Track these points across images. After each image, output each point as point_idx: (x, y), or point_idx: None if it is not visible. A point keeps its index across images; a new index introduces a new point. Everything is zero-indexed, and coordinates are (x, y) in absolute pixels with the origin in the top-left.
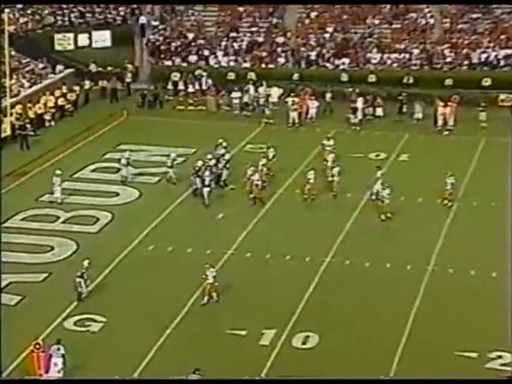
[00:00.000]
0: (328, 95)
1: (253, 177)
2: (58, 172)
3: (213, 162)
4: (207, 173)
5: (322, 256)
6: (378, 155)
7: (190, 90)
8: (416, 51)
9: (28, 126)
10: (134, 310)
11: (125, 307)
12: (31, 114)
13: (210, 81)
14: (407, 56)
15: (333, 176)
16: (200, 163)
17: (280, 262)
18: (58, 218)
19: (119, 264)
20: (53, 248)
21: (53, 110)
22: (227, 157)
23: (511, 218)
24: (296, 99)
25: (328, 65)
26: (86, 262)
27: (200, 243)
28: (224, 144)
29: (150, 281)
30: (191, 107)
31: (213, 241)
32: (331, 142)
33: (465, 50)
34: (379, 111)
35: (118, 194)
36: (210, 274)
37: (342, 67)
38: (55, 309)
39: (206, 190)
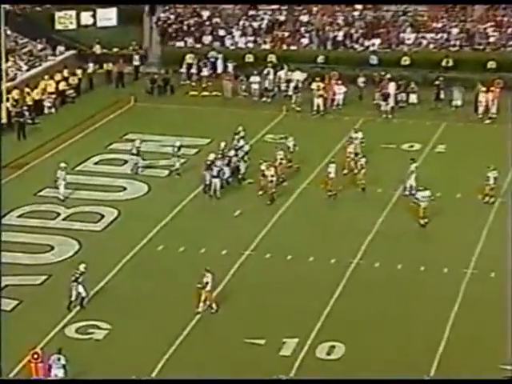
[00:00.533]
0: (360, 80)
1: (267, 172)
2: (63, 165)
3: (232, 152)
4: (219, 162)
5: (348, 257)
6: (411, 146)
7: (204, 73)
8: (455, 30)
9: (26, 113)
10: (142, 316)
11: (132, 313)
12: (29, 100)
13: (230, 64)
14: (445, 36)
15: (362, 167)
16: (212, 156)
17: (303, 263)
18: (59, 214)
19: (125, 265)
20: (53, 248)
21: (53, 96)
22: (246, 148)
23: None
24: (321, 84)
25: (357, 46)
26: (82, 267)
27: (215, 243)
28: (242, 133)
29: (159, 284)
30: (205, 93)
31: (229, 240)
32: (359, 134)
33: (510, 29)
34: (413, 98)
35: (124, 189)
36: (205, 280)
37: (372, 49)
38: (55, 314)
39: (215, 180)
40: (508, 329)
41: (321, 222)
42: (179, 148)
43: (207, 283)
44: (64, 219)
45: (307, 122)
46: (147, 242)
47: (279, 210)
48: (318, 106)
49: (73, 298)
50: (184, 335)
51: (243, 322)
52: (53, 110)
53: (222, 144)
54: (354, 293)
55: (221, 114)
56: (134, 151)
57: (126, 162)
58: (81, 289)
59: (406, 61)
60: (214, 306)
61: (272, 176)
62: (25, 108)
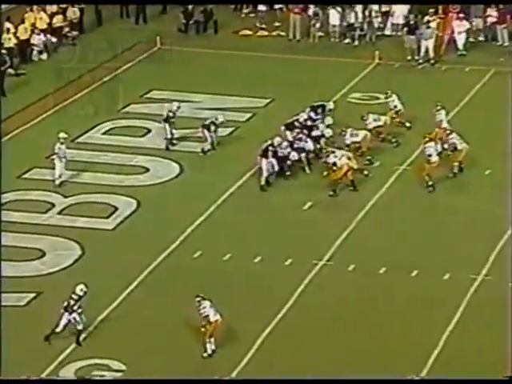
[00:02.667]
0: (490, 11)
1: (349, 162)
2: (63, 136)
3: (307, 122)
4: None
5: (470, 272)
6: None
7: (262, 5)
8: None
9: (6, 58)
10: (170, 354)
11: (155, 349)
12: (10, 41)
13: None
14: None
15: (454, 148)
16: (278, 141)
17: (403, 279)
18: (53, 205)
19: (147, 280)
20: (43, 253)
21: (45, 36)
22: (329, 120)
23: None
24: (433, 19)
25: None
26: (79, 289)
27: (275, 248)
28: (331, 105)
29: (194, 308)
30: (263, 32)
31: (295, 245)
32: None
33: None
34: None
35: (146, 170)
36: (203, 313)
37: None
38: (47, 348)
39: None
40: None
41: (430, 220)
42: (217, 126)
43: (207, 316)
44: (60, 213)
45: (410, 74)
46: (178, 247)
47: (369, 200)
48: (427, 51)
49: (58, 329)
50: (230, 380)
51: (316, 365)
52: (44, 55)
53: (304, 115)
54: (480, 323)
55: (285, 63)
56: (171, 114)
57: (148, 131)
58: (76, 318)
59: None
60: (207, 347)
61: (333, 162)
62: (4, 52)
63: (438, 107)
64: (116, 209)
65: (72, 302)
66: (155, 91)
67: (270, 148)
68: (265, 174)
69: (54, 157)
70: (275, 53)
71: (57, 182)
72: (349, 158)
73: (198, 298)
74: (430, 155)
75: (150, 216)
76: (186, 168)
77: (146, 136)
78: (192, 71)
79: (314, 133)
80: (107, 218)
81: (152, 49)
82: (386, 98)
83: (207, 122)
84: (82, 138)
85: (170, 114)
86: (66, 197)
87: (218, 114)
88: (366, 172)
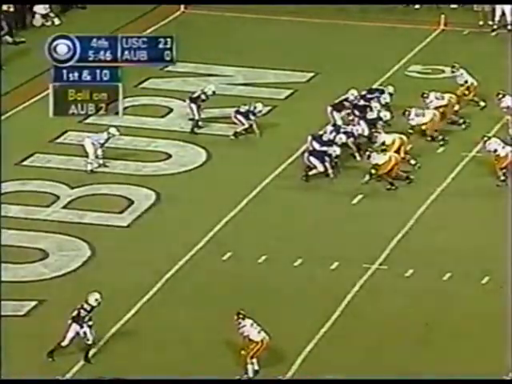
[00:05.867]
0: None
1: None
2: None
3: (359, 101)
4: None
5: None
6: None
7: None
8: None
9: (3, 24)
10: (196, 374)
11: (177, 368)
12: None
13: None
14: None
15: None
16: (329, 130)
17: (471, 288)
18: (57, 198)
19: (167, 286)
20: (46, 254)
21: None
22: (386, 97)
23: None
24: None
25: None
26: (92, 299)
27: (318, 250)
28: (390, 89)
29: (223, 321)
30: None
31: (343, 245)
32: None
33: None
34: None
35: (168, 156)
36: (243, 333)
37: None
38: (51, 366)
39: (333, 150)
40: None
41: (506, 218)
42: (255, 113)
43: (247, 337)
44: (65, 206)
45: (482, 42)
46: (204, 247)
47: (431, 193)
48: (504, 14)
49: (64, 343)
50: None
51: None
52: (48, 21)
53: (353, 92)
54: None
55: (332, 30)
56: (203, 96)
57: (170, 110)
58: (87, 332)
59: None
60: (249, 368)
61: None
62: (1, 17)
63: (500, 95)
64: (131, 202)
65: (83, 313)
66: (178, 63)
67: (323, 138)
68: (320, 168)
69: (86, 139)
70: (320, 18)
71: (89, 168)
72: (401, 144)
73: (239, 316)
74: (495, 150)
75: (172, 211)
76: (215, 155)
77: (168, 116)
78: (222, 40)
79: (369, 115)
80: (121, 212)
81: (175, 12)
82: (453, 72)
83: (243, 110)
84: (91, 119)
85: (202, 97)
86: (72, 188)
87: (256, 103)
88: (413, 162)
